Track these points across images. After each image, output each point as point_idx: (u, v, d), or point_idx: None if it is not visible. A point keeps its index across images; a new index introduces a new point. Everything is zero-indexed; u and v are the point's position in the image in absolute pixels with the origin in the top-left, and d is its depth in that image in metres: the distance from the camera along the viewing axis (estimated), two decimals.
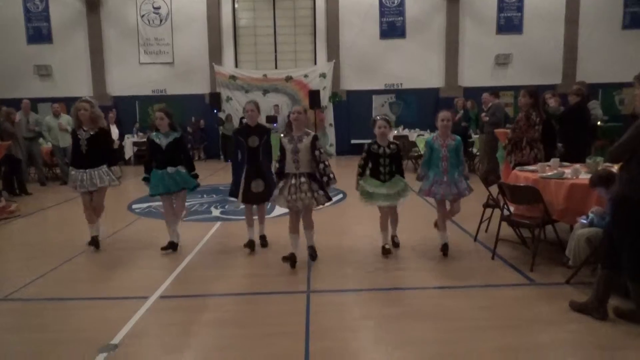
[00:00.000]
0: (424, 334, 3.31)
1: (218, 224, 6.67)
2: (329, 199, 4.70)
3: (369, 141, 4.97)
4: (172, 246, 5.30)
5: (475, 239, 5.46)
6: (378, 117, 4.89)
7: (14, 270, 4.99)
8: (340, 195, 8.29)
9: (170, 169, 5.12)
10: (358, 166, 4.95)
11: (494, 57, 15.41)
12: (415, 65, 15.47)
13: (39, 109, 13.96)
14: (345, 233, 6.07)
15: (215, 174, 11.91)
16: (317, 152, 4.57)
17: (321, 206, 4.73)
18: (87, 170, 5.29)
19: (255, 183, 5.07)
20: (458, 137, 4.97)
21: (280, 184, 4.67)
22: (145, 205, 7.91)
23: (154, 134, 5.21)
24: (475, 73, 15.40)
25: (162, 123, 5.14)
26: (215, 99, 15.26)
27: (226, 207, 7.65)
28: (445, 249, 4.96)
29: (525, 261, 4.63)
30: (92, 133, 5.30)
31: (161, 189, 5.13)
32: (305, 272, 4.59)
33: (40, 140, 11.04)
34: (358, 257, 4.98)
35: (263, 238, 5.48)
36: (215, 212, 7.42)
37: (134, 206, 7.97)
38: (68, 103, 13.25)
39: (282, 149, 4.66)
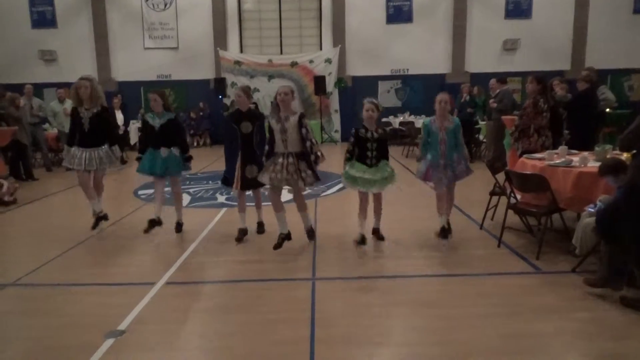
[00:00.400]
0: (428, 321, 3.32)
1: (223, 210, 6.68)
2: (318, 178, 4.68)
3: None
4: (155, 223, 5.23)
5: (481, 227, 5.44)
6: (366, 101, 4.77)
7: (22, 256, 5.04)
8: None
9: (163, 151, 5.12)
10: (346, 151, 4.85)
11: (501, 43, 15.21)
12: (422, 50, 15.30)
13: (44, 94, 13.97)
14: (348, 220, 6.04)
15: (220, 159, 11.84)
16: (303, 131, 4.54)
17: (309, 187, 4.72)
18: (88, 149, 5.26)
19: (249, 168, 5.01)
20: (456, 120, 4.88)
21: (269, 161, 4.68)
22: (151, 191, 7.88)
23: (149, 114, 5.25)
24: (483, 59, 15.21)
25: (156, 105, 5.20)
26: (220, 85, 15.16)
27: (232, 192, 7.64)
28: (444, 231, 4.92)
29: (531, 249, 4.62)
30: (94, 111, 5.25)
31: (147, 170, 5.17)
32: (309, 259, 4.60)
33: (46, 125, 11.05)
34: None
35: (260, 225, 5.45)
36: (221, 199, 7.43)
37: (139, 192, 7.99)
38: None
39: (271, 131, 4.65)
